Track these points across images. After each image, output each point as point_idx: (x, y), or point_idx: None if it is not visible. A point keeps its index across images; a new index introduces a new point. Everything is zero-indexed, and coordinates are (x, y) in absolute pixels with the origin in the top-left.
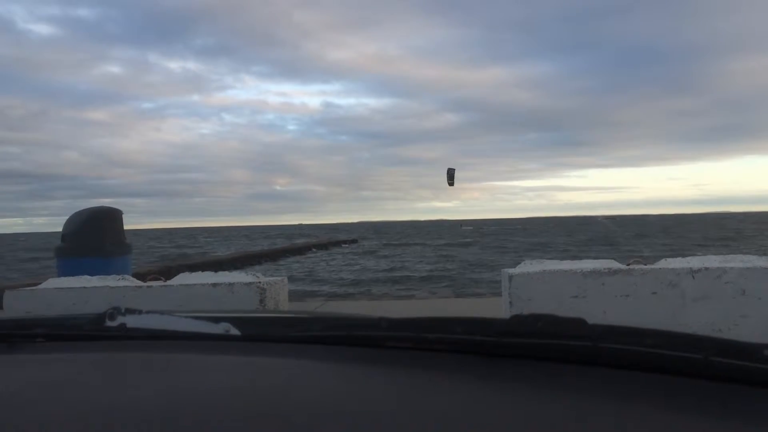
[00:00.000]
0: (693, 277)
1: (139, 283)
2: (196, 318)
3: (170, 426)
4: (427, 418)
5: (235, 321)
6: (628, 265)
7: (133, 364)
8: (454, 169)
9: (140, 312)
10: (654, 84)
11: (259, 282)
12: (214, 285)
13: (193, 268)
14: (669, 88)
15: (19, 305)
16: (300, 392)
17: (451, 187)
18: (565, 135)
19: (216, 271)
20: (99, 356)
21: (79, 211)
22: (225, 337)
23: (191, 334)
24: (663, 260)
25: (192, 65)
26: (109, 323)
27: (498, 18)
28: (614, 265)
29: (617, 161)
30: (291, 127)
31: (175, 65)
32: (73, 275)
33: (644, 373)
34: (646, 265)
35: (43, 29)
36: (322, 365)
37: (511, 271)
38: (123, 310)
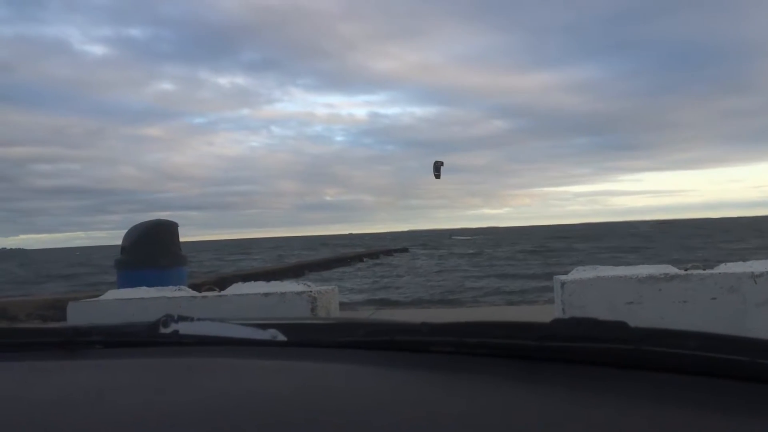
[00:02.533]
0: (755, 281)
1: (195, 293)
2: (245, 325)
3: (220, 425)
4: (468, 421)
5: (281, 327)
6: (685, 270)
7: (185, 368)
8: (441, 162)
9: (192, 319)
10: (707, 84)
11: (310, 291)
12: (266, 294)
13: (246, 278)
14: (723, 88)
15: (81, 316)
16: (343, 395)
17: (438, 179)
18: (616, 138)
19: (268, 280)
20: (153, 361)
21: (137, 225)
22: (272, 343)
23: (240, 339)
24: (722, 264)
25: (241, 80)
26: (162, 330)
27: (541, 22)
28: (671, 270)
29: (672, 164)
30: (338, 138)
31: (224, 80)
32: (132, 286)
33: (688, 375)
34: (704, 269)
35: (97, 50)
36: (365, 369)
37: (563, 277)
38: (176, 318)
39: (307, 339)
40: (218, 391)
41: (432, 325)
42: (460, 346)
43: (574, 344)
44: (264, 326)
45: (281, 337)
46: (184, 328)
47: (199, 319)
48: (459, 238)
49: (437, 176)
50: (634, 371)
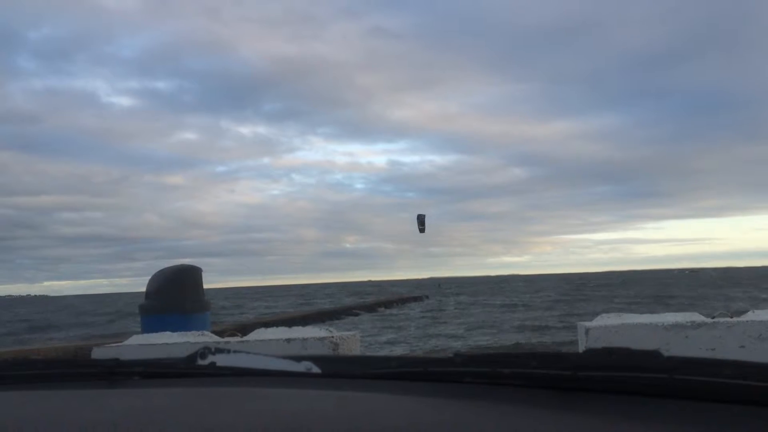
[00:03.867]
0: None
1: (218, 338)
2: (280, 357)
3: None
4: None
5: (315, 360)
6: (712, 318)
7: (222, 397)
8: (423, 215)
9: (229, 351)
10: (729, 131)
11: (332, 336)
12: (288, 340)
13: (267, 324)
14: (745, 135)
15: None
16: (379, 424)
17: (422, 233)
18: (637, 186)
19: (290, 326)
20: (191, 390)
21: (162, 270)
22: (307, 375)
23: (275, 371)
24: (750, 312)
25: (262, 129)
26: (200, 362)
27: (559, 72)
28: (698, 317)
29: (696, 212)
30: (358, 186)
31: (246, 130)
32: (155, 331)
33: (723, 404)
34: (732, 317)
35: (123, 101)
36: (400, 399)
37: (587, 324)
38: (213, 350)
39: (341, 371)
40: (256, 419)
41: (465, 355)
42: (493, 377)
43: (608, 374)
44: (298, 358)
45: (316, 369)
46: (221, 359)
47: (235, 351)
48: (447, 286)
49: (422, 230)
50: (668, 400)
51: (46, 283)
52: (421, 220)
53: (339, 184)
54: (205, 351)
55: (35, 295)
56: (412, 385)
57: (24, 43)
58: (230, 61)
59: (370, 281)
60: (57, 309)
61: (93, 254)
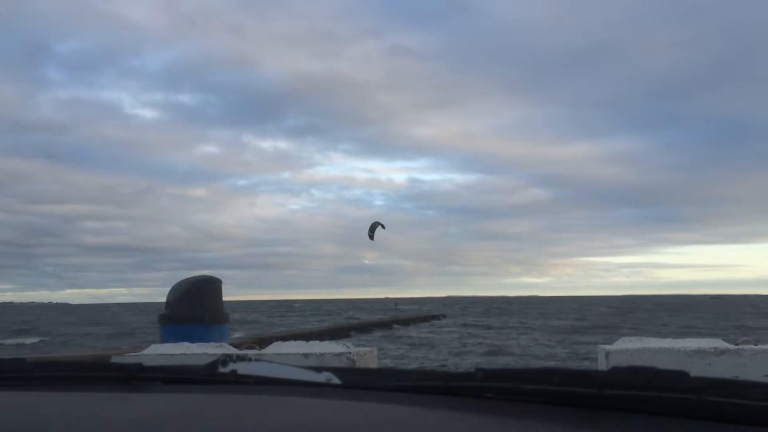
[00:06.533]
0: None
1: (236, 351)
2: (301, 367)
3: None
4: None
5: (336, 371)
6: (736, 344)
7: (243, 404)
8: (378, 223)
9: (250, 359)
10: (754, 158)
11: (349, 352)
12: (305, 355)
13: (285, 338)
14: None
15: None
16: None
17: (372, 240)
18: (660, 211)
19: (307, 340)
20: (212, 397)
21: (183, 280)
22: (327, 385)
23: (296, 381)
24: None
25: (283, 144)
26: (221, 369)
27: (582, 95)
28: (721, 344)
29: (720, 238)
30: (378, 202)
31: (267, 144)
32: (175, 341)
33: (751, 426)
34: (756, 345)
35: (147, 113)
36: (420, 412)
37: (607, 347)
38: (234, 357)
39: (362, 382)
40: (277, 426)
41: (487, 370)
42: (515, 393)
43: (634, 392)
44: (319, 369)
45: (336, 380)
46: (242, 367)
47: (257, 360)
48: (403, 307)
49: (371, 236)
50: (694, 421)
51: (68, 291)
52: (372, 228)
53: (358, 200)
54: (226, 359)
55: (57, 303)
56: (433, 399)
57: (52, 55)
58: (254, 76)
59: (387, 298)
60: (112, 315)
61: (114, 263)
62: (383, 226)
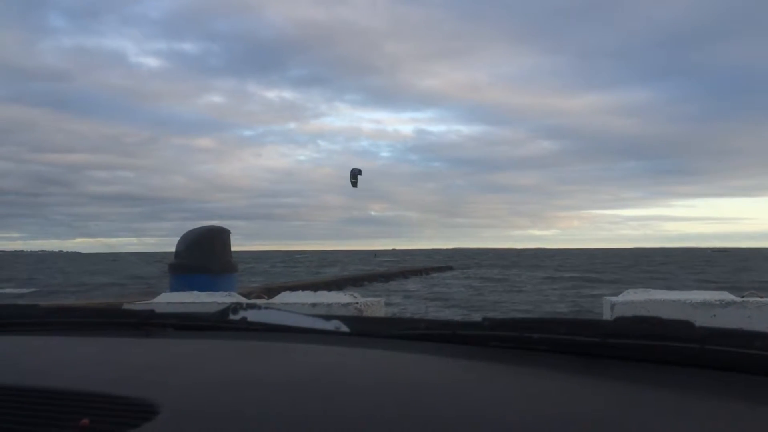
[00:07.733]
0: None
1: (244, 300)
2: (309, 315)
3: (290, 396)
4: (530, 414)
5: (344, 319)
6: (742, 297)
7: (253, 350)
8: (359, 170)
9: (260, 307)
10: (764, 109)
11: (357, 303)
12: (313, 305)
13: (293, 289)
14: None
15: None
16: (406, 381)
17: (354, 188)
18: (668, 163)
19: (315, 291)
20: (224, 343)
21: (191, 230)
22: (335, 333)
23: (305, 329)
24: None
25: (288, 94)
26: (232, 316)
27: (590, 45)
28: (727, 296)
29: (728, 190)
30: (384, 154)
31: (272, 94)
32: (183, 290)
33: (753, 375)
34: (762, 297)
35: (151, 62)
36: (427, 359)
37: (613, 299)
38: (245, 305)
39: (370, 330)
40: (286, 371)
41: (494, 320)
42: (521, 342)
43: (638, 341)
44: (327, 317)
45: (344, 328)
46: (252, 315)
47: (266, 307)
48: (383, 259)
49: (354, 183)
50: (698, 370)
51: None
52: (353, 174)
53: (365, 151)
54: (236, 307)
55: (67, 251)
56: (440, 347)
57: (54, 2)
58: (257, 23)
59: (394, 249)
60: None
61: (123, 213)
62: (360, 172)
